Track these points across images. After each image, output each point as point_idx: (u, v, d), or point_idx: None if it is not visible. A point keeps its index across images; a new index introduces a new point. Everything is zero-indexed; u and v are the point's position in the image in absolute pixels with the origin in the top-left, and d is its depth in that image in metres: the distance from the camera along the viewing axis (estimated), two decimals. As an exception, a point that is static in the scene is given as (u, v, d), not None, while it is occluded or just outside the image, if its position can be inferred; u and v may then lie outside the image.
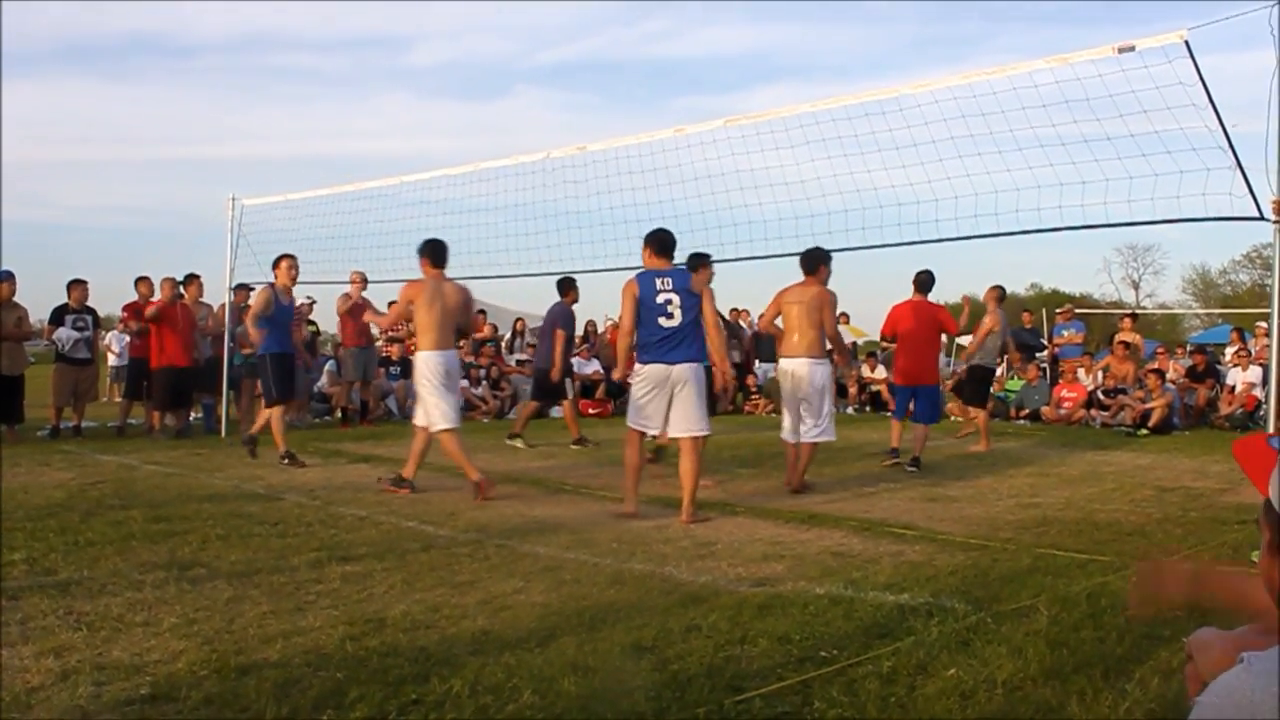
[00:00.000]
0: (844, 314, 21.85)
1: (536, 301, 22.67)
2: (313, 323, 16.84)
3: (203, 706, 3.37)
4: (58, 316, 13.31)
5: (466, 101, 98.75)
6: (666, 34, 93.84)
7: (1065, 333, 18.80)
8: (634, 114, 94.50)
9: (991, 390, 14.21)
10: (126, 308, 14.30)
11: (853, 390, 19.74)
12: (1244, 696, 1.36)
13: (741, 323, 19.60)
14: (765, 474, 9.86)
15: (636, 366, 7.42)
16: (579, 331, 20.51)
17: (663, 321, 7.23)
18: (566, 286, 12.65)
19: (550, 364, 12.31)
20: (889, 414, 18.12)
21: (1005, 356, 15.12)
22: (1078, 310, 22.31)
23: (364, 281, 14.78)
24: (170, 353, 13.04)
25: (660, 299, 7.25)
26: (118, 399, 16.64)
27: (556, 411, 17.61)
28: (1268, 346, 6.76)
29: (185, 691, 3.50)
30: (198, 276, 14.40)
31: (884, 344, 21.21)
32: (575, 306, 12.72)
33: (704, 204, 9.36)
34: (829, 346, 8.80)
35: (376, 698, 3.43)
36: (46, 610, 4.54)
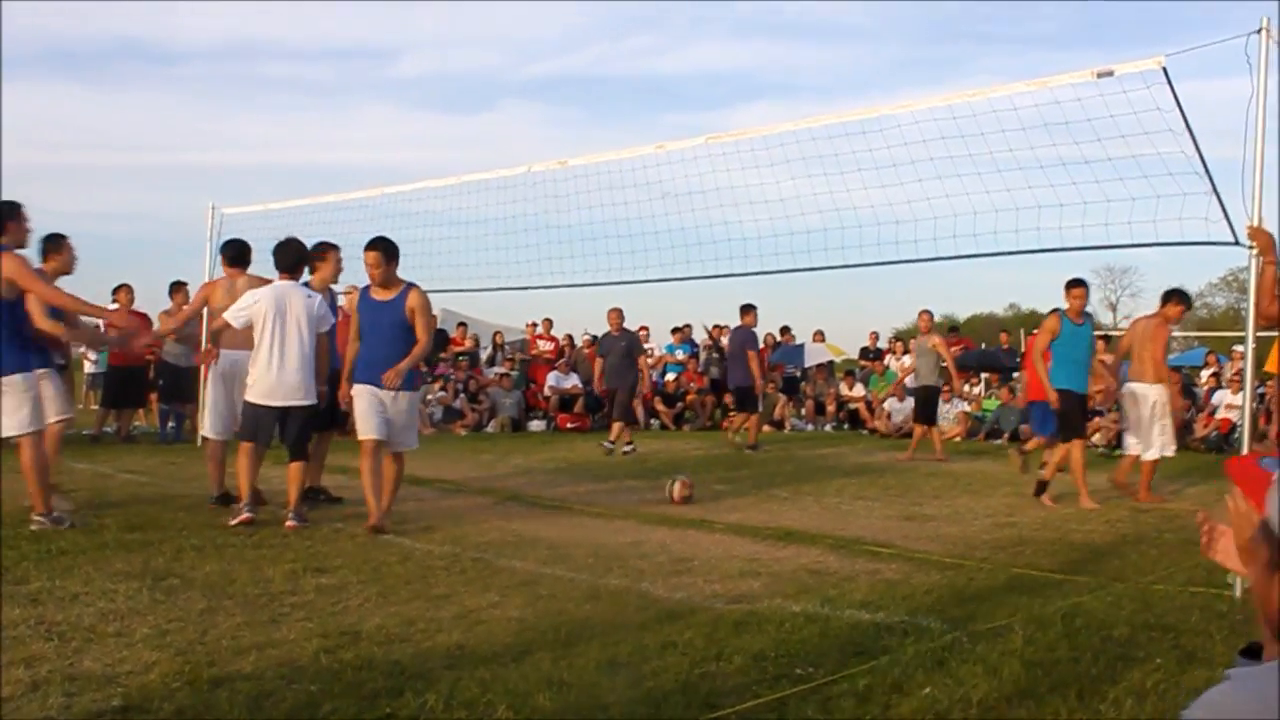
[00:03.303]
0: (819, 331, 21.93)
1: (514, 316, 22.64)
2: None
3: (175, 718, 3.35)
4: None
5: (450, 114, 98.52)
6: (652, 50, 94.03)
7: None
8: (618, 130, 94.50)
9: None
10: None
11: (830, 408, 19.80)
12: (1230, 713, 1.36)
13: (724, 339, 19.58)
14: (742, 490, 9.87)
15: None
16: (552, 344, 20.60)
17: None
18: (746, 310, 14.78)
19: (750, 381, 14.49)
20: (866, 431, 18.31)
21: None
22: (1055, 331, 22.39)
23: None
24: None
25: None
26: (94, 406, 16.51)
27: (534, 425, 17.68)
28: (1242, 370, 6.89)
29: (157, 703, 3.47)
30: (184, 284, 14.33)
31: (862, 363, 21.35)
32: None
33: (684, 220, 9.37)
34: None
35: (350, 711, 3.41)
36: (17, 620, 4.49)
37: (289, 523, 7.09)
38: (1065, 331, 9.51)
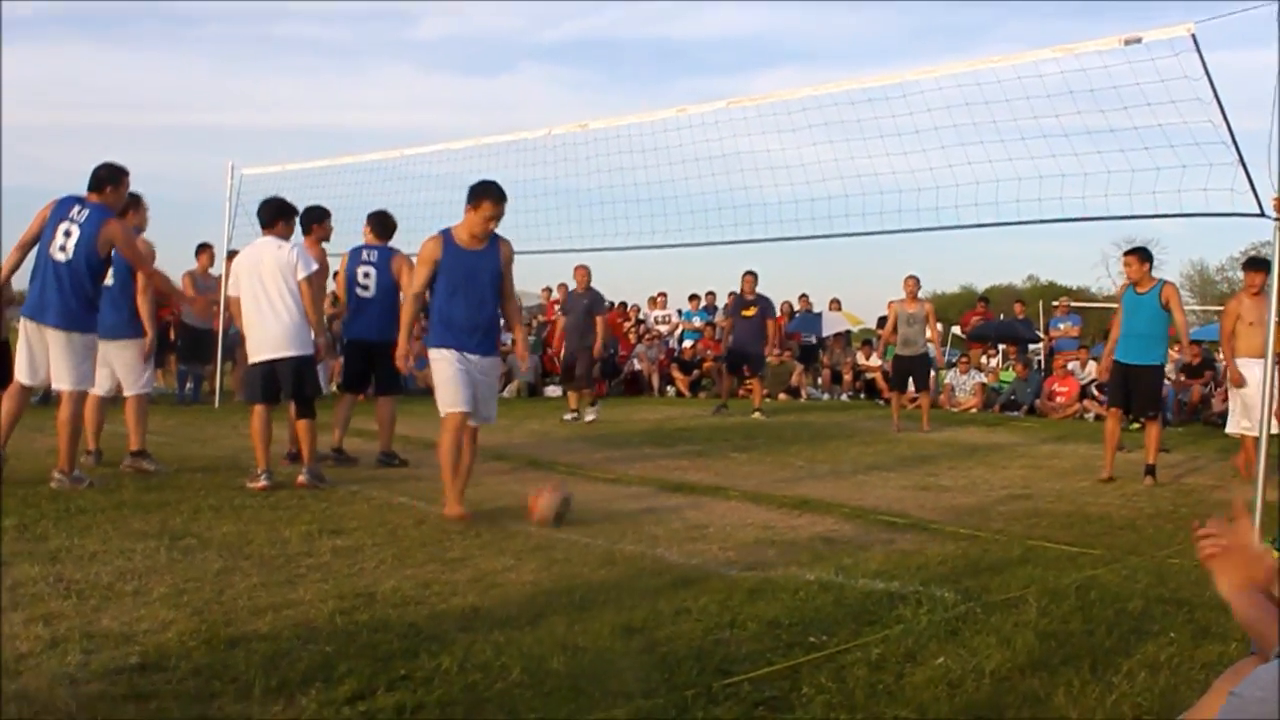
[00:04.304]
0: (835, 300, 21.84)
1: (532, 280, 22.55)
2: None
3: (191, 677, 3.37)
4: None
5: (470, 76, 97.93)
6: (672, 14, 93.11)
7: (1061, 325, 18.81)
8: (638, 94, 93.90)
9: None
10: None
11: (847, 377, 19.75)
12: None
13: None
14: (758, 458, 9.87)
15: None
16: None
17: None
18: (743, 276, 15.27)
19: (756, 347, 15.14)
20: (883, 401, 18.26)
21: None
22: (1074, 303, 22.30)
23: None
24: None
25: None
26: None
27: (550, 390, 17.72)
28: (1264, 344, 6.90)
29: (174, 661, 3.49)
30: (209, 246, 14.40)
31: (879, 333, 21.27)
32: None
33: (704, 185, 9.30)
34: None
35: (365, 672, 3.43)
36: (36, 577, 4.53)
37: (300, 479, 7.19)
38: (1126, 302, 9.25)
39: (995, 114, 7.33)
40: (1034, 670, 3.68)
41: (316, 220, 8.63)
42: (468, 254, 6.33)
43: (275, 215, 7.61)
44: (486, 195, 6.26)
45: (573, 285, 14.50)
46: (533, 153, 10.47)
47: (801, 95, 8.56)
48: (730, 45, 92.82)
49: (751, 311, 15.11)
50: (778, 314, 17.21)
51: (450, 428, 6.30)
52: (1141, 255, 9.23)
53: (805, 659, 3.73)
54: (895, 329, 13.79)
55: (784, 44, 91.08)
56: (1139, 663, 3.80)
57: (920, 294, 13.91)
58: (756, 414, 14.53)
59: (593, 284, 13.98)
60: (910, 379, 14.11)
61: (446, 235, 6.38)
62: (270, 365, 7.33)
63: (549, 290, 20.62)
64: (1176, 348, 19.18)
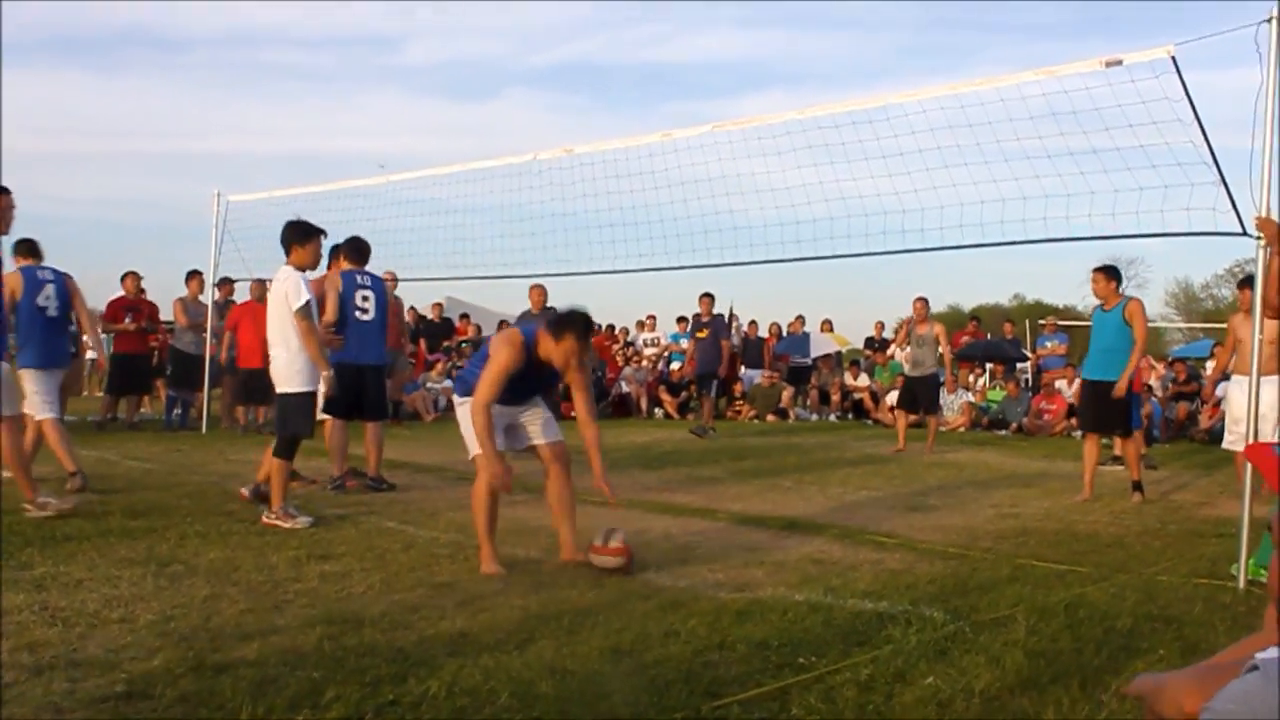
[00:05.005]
0: (826, 321, 21.88)
1: (517, 304, 22.54)
2: None
3: (178, 704, 3.35)
4: None
5: (456, 102, 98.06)
6: (658, 39, 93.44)
7: (1048, 344, 18.88)
8: (623, 118, 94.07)
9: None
10: (112, 304, 14.21)
11: (835, 398, 19.78)
12: (1263, 701, 1.34)
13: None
14: (746, 480, 9.86)
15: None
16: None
17: None
18: (700, 297, 15.65)
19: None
20: (871, 421, 18.29)
21: None
22: (1061, 322, 22.41)
23: (395, 280, 12.73)
24: (247, 352, 12.99)
25: None
26: (98, 394, 16.59)
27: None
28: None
29: (161, 689, 3.47)
30: (199, 273, 14.44)
31: (867, 353, 21.32)
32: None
33: (690, 209, 9.34)
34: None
35: (353, 698, 3.41)
36: (22, 605, 4.50)
37: (264, 518, 6.78)
38: (1094, 320, 9.30)
39: (979, 136, 7.36)
40: (1023, 689, 3.68)
41: (341, 253, 8.76)
42: (540, 367, 5.73)
43: (283, 242, 7.27)
44: (571, 329, 5.62)
45: (606, 318, 14.77)
46: (518, 178, 10.50)
47: (786, 119, 8.60)
48: (715, 69, 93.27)
49: (704, 333, 15.59)
50: (730, 335, 17.23)
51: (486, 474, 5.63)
52: (1108, 273, 9.20)
53: (794, 680, 3.73)
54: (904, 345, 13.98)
55: (769, 68, 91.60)
56: (1128, 681, 3.80)
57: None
58: (690, 431, 14.98)
59: (549, 304, 13.05)
60: (917, 400, 13.96)
61: (530, 349, 5.66)
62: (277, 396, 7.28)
63: (536, 313, 20.61)
64: (1161, 363, 19.31)
